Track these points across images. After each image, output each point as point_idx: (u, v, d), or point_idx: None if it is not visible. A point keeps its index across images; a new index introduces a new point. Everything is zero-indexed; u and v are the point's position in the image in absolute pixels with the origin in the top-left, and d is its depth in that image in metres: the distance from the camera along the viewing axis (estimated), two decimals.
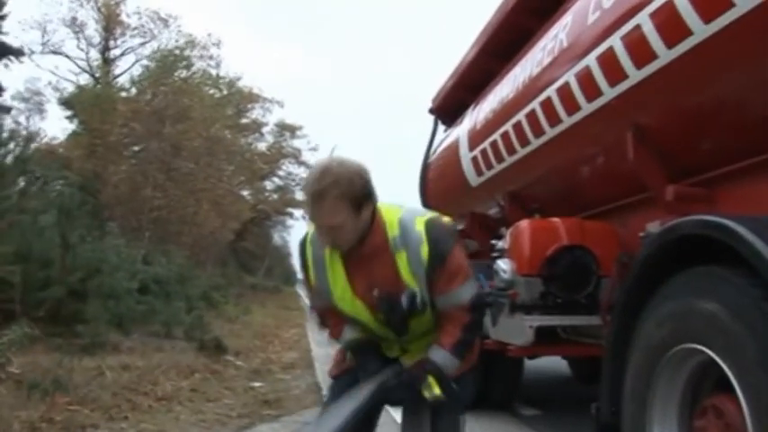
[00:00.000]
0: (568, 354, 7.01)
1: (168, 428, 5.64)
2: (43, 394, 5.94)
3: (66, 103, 26.07)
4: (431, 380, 2.74)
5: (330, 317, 3.02)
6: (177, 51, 26.04)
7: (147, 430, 5.52)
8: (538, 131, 5.33)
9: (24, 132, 14.71)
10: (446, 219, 2.92)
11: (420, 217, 2.78)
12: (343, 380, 3.05)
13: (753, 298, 2.32)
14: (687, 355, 2.71)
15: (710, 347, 2.51)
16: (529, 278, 4.86)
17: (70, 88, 27.51)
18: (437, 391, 2.73)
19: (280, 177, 46.30)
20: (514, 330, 4.98)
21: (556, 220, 5.07)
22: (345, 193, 2.53)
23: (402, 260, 2.69)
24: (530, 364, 7.14)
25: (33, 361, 7.04)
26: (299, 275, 3.08)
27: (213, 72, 30.30)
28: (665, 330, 2.78)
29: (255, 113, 40.70)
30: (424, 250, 2.67)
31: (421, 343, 2.93)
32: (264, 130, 42.81)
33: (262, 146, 43.07)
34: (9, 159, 9.96)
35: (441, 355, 2.79)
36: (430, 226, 2.73)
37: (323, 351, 10.94)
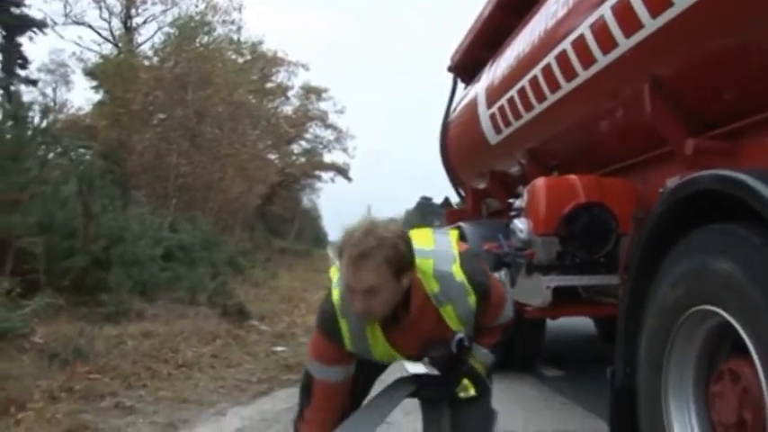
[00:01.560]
0: (588, 314, 6.87)
1: (186, 395, 5.62)
2: (63, 363, 5.96)
3: (90, 73, 26.11)
4: (466, 381, 2.78)
5: (324, 406, 2.82)
6: (198, 17, 25.86)
7: (165, 398, 5.51)
8: (554, 86, 5.19)
9: (45, 104, 14.73)
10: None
11: (455, 264, 2.65)
12: None
13: None
14: (703, 318, 2.59)
15: (726, 309, 2.39)
16: (545, 237, 4.74)
17: (94, 59, 27.54)
18: (472, 391, 2.80)
19: (306, 140, 46.28)
20: (532, 291, 4.88)
21: (573, 177, 4.92)
22: (389, 257, 2.40)
23: (449, 313, 2.62)
24: (554, 323, 7.05)
25: (57, 330, 7.08)
26: (313, 357, 2.83)
27: (235, 37, 30.16)
28: (680, 291, 2.66)
29: (281, 77, 40.61)
30: (472, 300, 2.62)
31: None
32: (290, 93, 42.70)
33: (287, 109, 42.99)
34: (29, 131, 9.96)
35: (481, 353, 2.83)
36: (469, 272, 2.64)
37: None
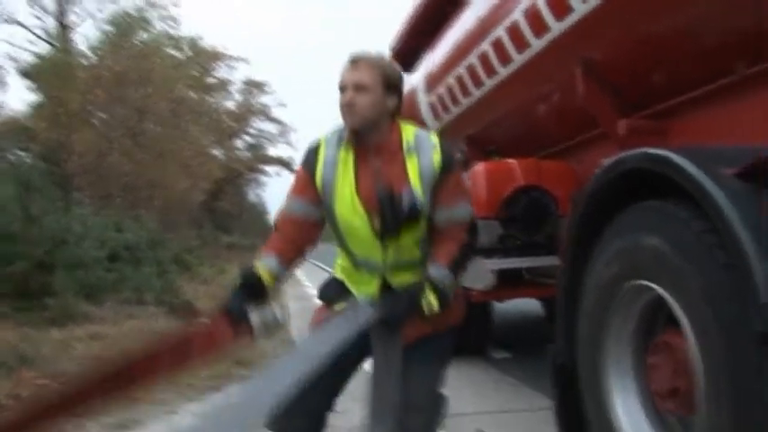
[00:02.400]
0: (532, 295, 6.95)
1: (136, 396, 5.56)
2: (9, 371, 5.86)
3: (26, 73, 25.53)
4: (429, 293, 2.72)
5: (282, 231, 2.91)
6: (134, 13, 25.49)
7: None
8: (490, 72, 5.25)
9: None
10: None
11: (433, 133, 2.88)
12: None
13: (695, 232, 2.26)
14: (637, 293, 2.66)
15: (658, 283, 2.47)
16: (486, 221, 4.81)
17: (29, 59, 26.92)
18: (435, 303, 2.71)
19: (250, 135, 46.08)
20: (476, 275, 4.93)
21: (512, 161, 5.01)
22: (384, 68, 2.71)
23: (413, 164, 2.71)
24: (502, 306, 7.13)
25: (1, 338, 6.95)
26: (288, 192, 2.95)
27: (173, 33, 29.77)
28: (614, 268, 2.73)
29: (221, 72, 40.26)
30: (436, 157, 2.70)
31: (403, 278, 2.85)
32: (232, 88, 42.37)
33: (230, 104, 42.67)
34: None
35: (437, 271, 2.77)
36: (443, 141, 2.79)
37: (298, 306, 10.92)
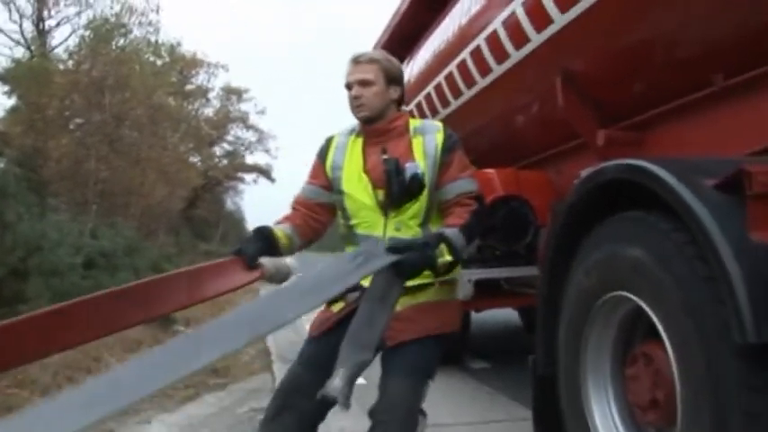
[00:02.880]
0: (511, 305, 6.98)
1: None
2: None
3: (1, 78, 25.28)
4: (443, 246, 2.70)
5: (295, 210, 3.10)
6: (113, 19, 25.31)
7: None
8: (470, 82, 5.26)
9: None
10: None
11: (437, 122, 3.10)
12: (322, 341, 2.91)
13: (676, 243, 2.26)
14: (617, 304, 2.66)
15: (637, 294, 2.46)
16: None
17: (5, 63, 26.65)
18: (449, 257, 2.70)
19: (228, 142, 45.83)
20: None
21: (491, 171, 5.01)
22: (384, 63, 2.92)
23: (418, 143, 2.89)
24: (479, 315, 7.12)
25: None
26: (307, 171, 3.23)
27: (152, 39, 29.58)
28: (593, 279, 2.73)
29: (200, 79, 40.05)
30: (439, 137, 2.88)
31: None
32: (210, 95, 42.14)
33: (208, 111, 42.45)
34: None
35: (450, 230, 2.78)
36: (447, 127, 2.97)
37: None
